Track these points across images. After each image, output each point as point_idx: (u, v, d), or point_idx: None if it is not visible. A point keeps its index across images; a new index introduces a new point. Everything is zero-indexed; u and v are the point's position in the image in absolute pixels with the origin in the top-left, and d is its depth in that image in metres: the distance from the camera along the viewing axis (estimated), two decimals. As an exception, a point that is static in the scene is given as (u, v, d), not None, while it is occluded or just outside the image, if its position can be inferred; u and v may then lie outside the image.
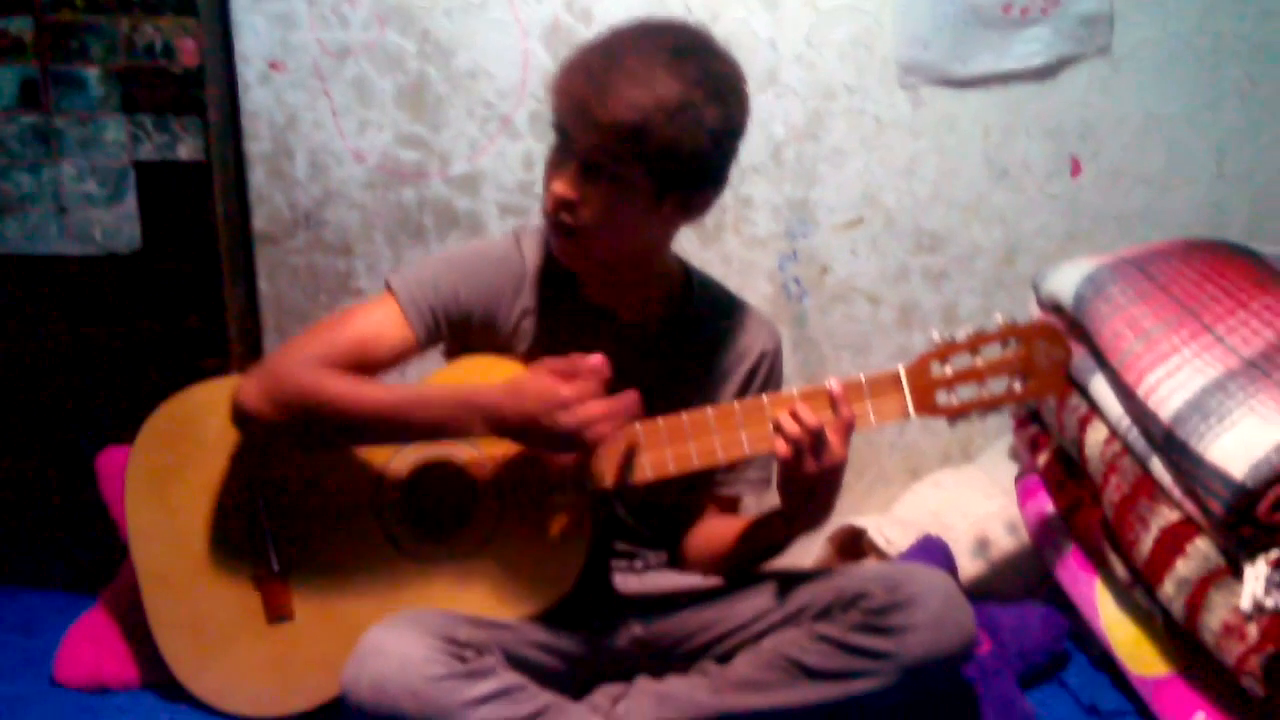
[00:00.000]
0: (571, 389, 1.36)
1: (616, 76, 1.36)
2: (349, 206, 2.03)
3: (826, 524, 1.53)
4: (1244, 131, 2.04)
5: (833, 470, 1.41)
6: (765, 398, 1.45)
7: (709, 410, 1.45)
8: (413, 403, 1.43)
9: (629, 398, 1.38)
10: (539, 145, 2.00)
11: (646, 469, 1.46)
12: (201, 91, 1.97)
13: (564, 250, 1.47)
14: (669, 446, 1.45)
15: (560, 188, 1.42)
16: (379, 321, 1.49)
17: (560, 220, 1.44)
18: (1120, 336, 1.62)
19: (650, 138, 1.36)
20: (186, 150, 1.99)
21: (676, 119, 1.36)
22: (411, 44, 1.97)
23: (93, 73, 1.96)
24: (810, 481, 1.41)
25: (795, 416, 1.38)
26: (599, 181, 1.40)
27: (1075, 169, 2.05)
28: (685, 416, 1.45)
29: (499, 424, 1.40)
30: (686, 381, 1.57)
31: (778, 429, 1.39)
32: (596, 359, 1.38)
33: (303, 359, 1.45)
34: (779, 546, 1.56)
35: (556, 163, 1.44)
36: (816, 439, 1.38)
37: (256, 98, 1.99)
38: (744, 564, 1.59)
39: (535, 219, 2.02)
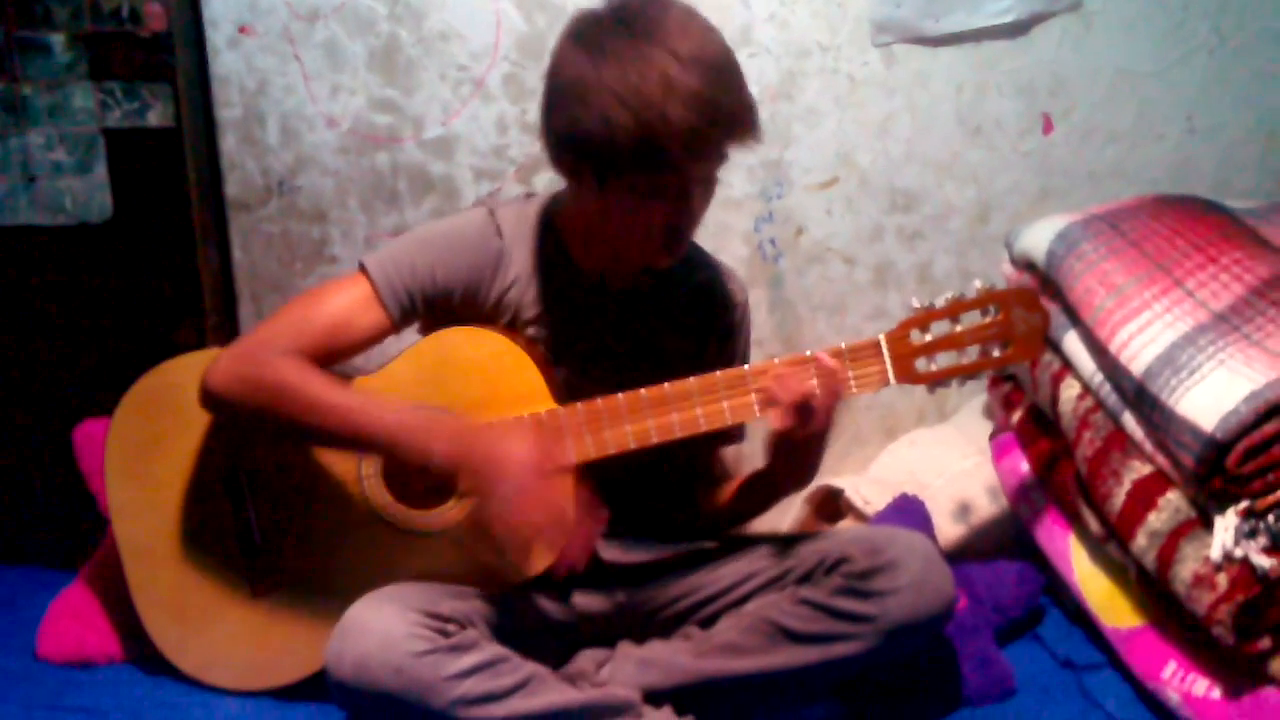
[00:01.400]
0: (536, 486, 1.38)
1: (727, 108, 1.35)
2: (322, 172, 2.02)
3: (811, 483, 1.58)
4: (1213, 87, 2.05)
5: (819, 435, 1.45)
6: (748, 368, 1.46)
7: (692, 381, 1.46)
8: (378, 424, 1.42)
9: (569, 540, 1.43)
10: (512, 108, 1.99)
11: (629, 439, 1.47)
12: (170, 57, 1.94)
13: (668, 260, 1.49)
14: (652, 417, 1.46)
15: (690, 221, 1.44)
16: (353, 304, 1.48)
17: (682, 246, 1.47)
18: (1092, 293, 1.64)
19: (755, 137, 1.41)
20: (156, 117, 1.97)
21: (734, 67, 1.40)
22: (382, 6, 1.95)
23: (58, 39, 1.93)
24: (797, 446, 1.45)
25: (783, 383, 1.41)
26: (710, 187, 1.44)
27: (1047, 126, 2.06)
28: (668, 387, 1.46)
29: (455, 467, 1.42)
30: (673, 337, 1.59)
31: (770, 397, 1.42)
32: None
33: (278, 346, 1.45)
34: (767, 504, 1.62)
35: (674, 198, 1.40)
36: (805, 405, 1.40)
37: (226, 63, 1.97)
38: (734, 521, 1.65)
39: (510, 185, 2.02)
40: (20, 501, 2.06)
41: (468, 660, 1.34)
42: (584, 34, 1.38)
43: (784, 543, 1.56)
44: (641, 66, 1.31)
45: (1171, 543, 1.46)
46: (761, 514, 1.63)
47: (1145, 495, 1.52)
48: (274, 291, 2.04)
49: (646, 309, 1.58)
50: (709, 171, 1.41)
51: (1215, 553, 1.40)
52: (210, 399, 1.46)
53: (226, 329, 2.05)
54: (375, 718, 1.36)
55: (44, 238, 2.00)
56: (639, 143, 1.33)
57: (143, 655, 1.61)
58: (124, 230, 2.01)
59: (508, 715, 1.35)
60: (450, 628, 1.37)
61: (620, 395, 1.45)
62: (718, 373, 1.46)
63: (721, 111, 1.34)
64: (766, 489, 1.59)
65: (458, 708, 1.32)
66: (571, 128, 1.38)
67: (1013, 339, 1.48)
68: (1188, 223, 1.69)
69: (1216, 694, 1.44)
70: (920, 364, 1.48)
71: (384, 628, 1.33)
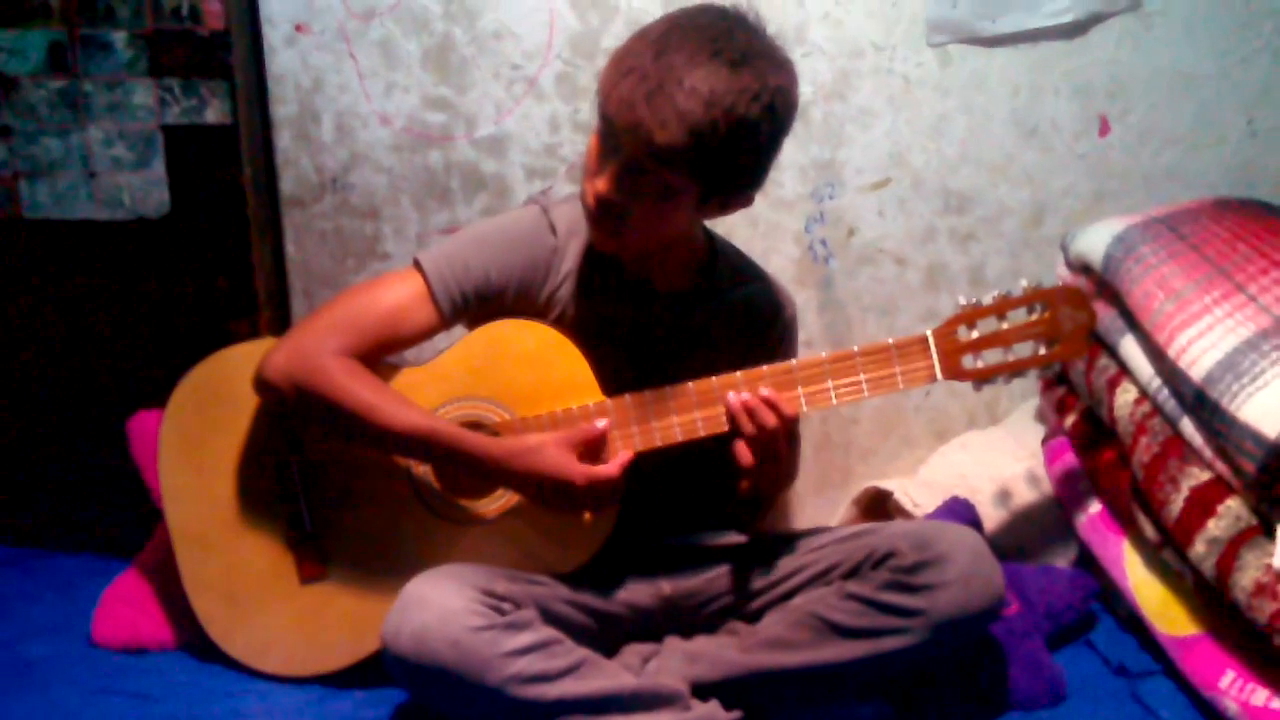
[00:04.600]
0: (583, 474, 1.44)
1: (674, 91, 1.31)
2: (375, 170, 2.03)
3: (788, 488, 1.61)
4: (1275, 89, 2.01)
5: (773, 449, 1.47)
6: (793, 363, 1.48)
7: (739, 375, 1.48)
8: (429, 439, 1.46)
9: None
10: (565, 107, 2.00)
11: (676, 431, 1.48)
12: (228, 55, 1.97)
13: (603, 241, 1.48)
14: (698, 410, 1.48)
15: (604, 187, 1.40)
16: (406, 300, 1.50)
17: (601, 215, 1.43)
18: (1151, 296, 1.61)
19: (705, 156, 1.35)
20: (214, 114, 2.00)
21: (732, 137, 1.35)
22: (437, 5, 1.96)
23: (119, 36, 1.96)
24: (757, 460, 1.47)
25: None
26: (646, 186, 1.39)
27: (1104, 128, 2.03)
28: (714, 380, 1.48)
29: (510, 484, 1.49)
30: (715, 344, 1.58)
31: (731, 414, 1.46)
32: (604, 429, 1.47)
33: (330, 345, 1.47)
34: (756, 504, 1.62)
35: (601, 156, 1.41)
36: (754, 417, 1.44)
37: (282, 61, 1.99)
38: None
39: (561, 183, 2.02)
40: (76, 491, 2.09)
41: (523, 639, 1.35)
42: (666, 22, 1.39)
43: (830, 537, 1.55)
44: (640, 60, 1.34)
45: (1231, 550, 1.44)
46: (759, 511, 1.65)
47: (1204, 502, 1.49)
48: (326, 287, 2.06)
49: (691, 315, 1.58)
50: (638, 155, 1.36)
51: (1277, 561, 1.37)
52: (264, 390, 1.50)
53: (280, 324, 2.07)
54: (431, 692, 1.37)
55: (103, 232, 2.04)
56: (600, 96, 1.38)
57: (195, 642, 1.63)
58: (181, 225, 2.04)
59: (560, 696, 1.35)
60: (506, 606, 1.38)
61: (666, 388, 1.48)
62: (764, 367, 1.48)
63: (645, 133, 1.32)
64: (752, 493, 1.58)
65: (512, 685, 1.33)
66: None
67: (1059, 337, 1.49)
68: (1250, 226, 1.66)
69: (1277, 704, 1.42)
70: (967, 361, 1.49)
71: (443, 602, 1.34)
